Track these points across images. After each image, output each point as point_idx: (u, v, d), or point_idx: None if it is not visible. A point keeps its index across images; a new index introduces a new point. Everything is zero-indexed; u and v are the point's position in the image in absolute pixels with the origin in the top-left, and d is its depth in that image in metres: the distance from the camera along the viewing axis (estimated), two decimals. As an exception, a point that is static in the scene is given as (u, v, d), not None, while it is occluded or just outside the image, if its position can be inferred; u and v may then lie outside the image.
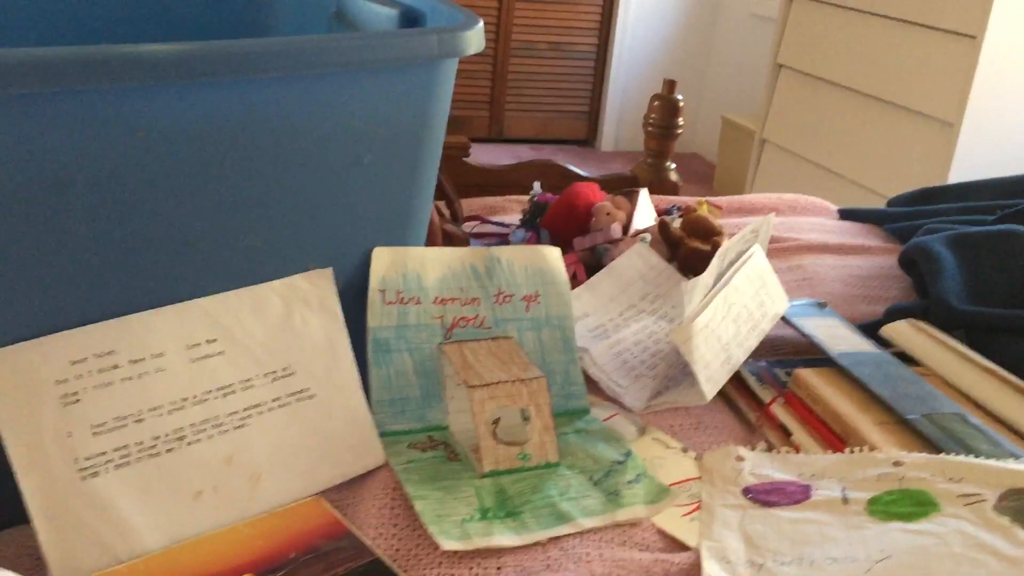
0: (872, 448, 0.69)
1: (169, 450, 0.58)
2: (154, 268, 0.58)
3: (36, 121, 0.49)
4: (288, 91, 0.57)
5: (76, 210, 0.53)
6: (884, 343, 0.89)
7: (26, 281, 0.53)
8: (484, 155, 4.03)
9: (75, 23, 0.91)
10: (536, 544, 0.61)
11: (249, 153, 0.58)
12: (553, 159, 1.55)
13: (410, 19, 0.76)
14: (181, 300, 0.60)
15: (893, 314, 0.95)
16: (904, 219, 1.30)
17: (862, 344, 0.84)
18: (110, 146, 0.52)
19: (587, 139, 4.50)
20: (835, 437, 0.73)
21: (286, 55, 0.54)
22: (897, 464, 0.67)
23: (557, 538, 0.62)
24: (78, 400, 0.55)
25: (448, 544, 0.59)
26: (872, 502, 0.65)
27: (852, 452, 0.69)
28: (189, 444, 0.59)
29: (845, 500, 0.65)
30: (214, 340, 0.61)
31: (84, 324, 0.56)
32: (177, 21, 0.95)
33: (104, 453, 0.56)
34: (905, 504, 0.64)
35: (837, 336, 0.85)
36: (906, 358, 0.85)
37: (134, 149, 0.53)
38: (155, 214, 0.56)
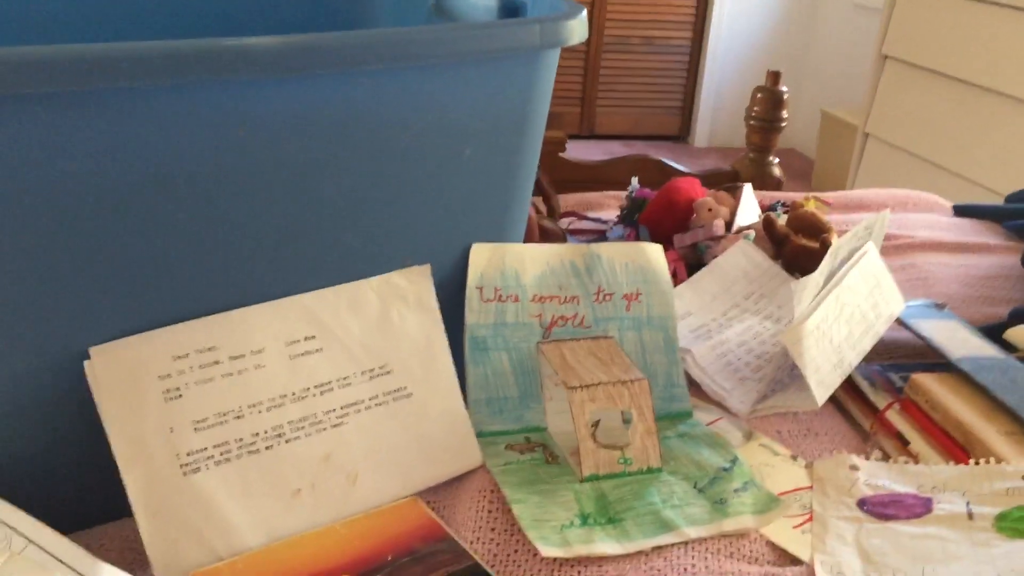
0: (999, 460, 0.65)
1: (268, 447, 0.58)
2: (254, 264, 0.57)
3: (140, 116, 0.49)
4: (389, 84, 0.56)
5: (178, 206, 0.52)
6: (1009, 347, 0.83)
7: (129, 276, 0.53)
8: (576, 151, 4.00)
9: (174, 20, 0.92)
10: (639, 553, 0.59)
11: (350, 148, 0.57)
12: (648, 154, 1.51)
13: (509, 10, 0.74)
14: (280, 296, 0.60)
15: (1018, 316, 0.89)
16: (1025, 216, 1.23)
17: (985, 348, 0.79)
18: (212, 142, 0.52)
19: (680, 135, 4.42)
20: (957, 447, 0.68)
21: (387, 47, 0.53)
22: (1028, 478, 0.62)
23: (660, 547, 0.59)
24: (180, 396, 0.55)
25: (548, 551, 0.57)
26: (1000, 518, 0.60)
27: (977, 464, 0.65)
28: (288, 442, 0.58)
29: (970, 515, 0.61)
30: (312, 337, 0.60)
31: (186, 319, 0.56)
32: (277, 19, 0.96)
33: (205, 449, 0.56)
34: (1037, 521, 0.59)
35: (957, 339, 0.80)
36: (1034, 364, 0.79)
37: (235, 145, 0.53)
38: (255, 210, 0.55)
